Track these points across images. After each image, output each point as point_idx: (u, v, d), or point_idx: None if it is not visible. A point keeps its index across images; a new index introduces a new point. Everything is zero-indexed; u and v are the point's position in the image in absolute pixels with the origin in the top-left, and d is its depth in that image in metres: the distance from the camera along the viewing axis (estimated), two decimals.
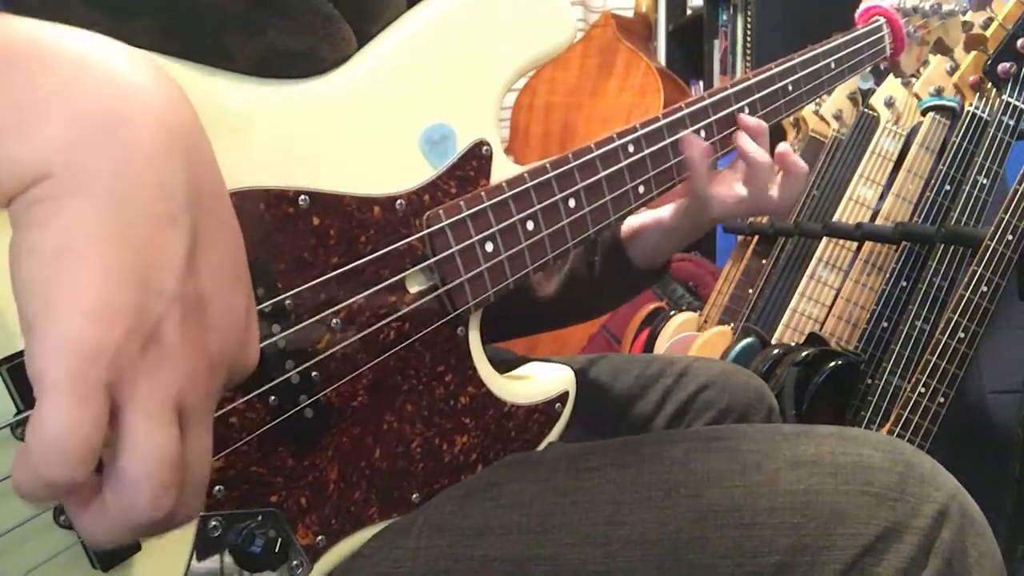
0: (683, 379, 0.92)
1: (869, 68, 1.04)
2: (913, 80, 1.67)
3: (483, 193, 0.61)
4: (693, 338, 1.98)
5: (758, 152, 0.82)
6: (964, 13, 1.50)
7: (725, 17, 2.78)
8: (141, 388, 0.33)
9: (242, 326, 0.39)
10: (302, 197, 0.53)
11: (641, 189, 0.73)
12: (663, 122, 0.75)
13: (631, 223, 0.87)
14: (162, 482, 0.34)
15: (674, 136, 0.75)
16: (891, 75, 1.73)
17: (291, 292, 0.52)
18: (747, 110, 0.84)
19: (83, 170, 0.34)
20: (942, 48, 1.18)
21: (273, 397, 0.51)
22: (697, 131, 0.78)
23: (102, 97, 0.35)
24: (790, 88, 0.88)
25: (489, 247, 0.61)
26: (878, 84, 1.77)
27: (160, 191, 0.35)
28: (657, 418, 0.91)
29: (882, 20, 1.04)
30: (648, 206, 0.79)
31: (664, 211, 0.86)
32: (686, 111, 0.77)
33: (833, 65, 0.94)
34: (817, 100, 2.00)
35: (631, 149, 0.72)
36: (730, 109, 0.82)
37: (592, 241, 0.84)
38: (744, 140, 0.82)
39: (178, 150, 0.36)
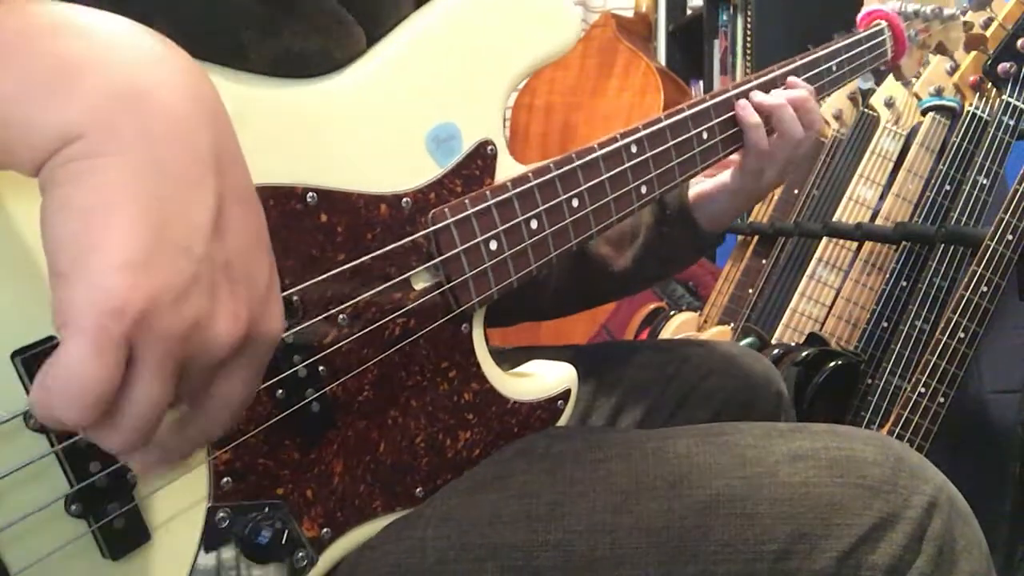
0: (685, 366, 0.93)
1: (869, 71, 1.05)
2: (913, 80, 1.67)
3: (488, 192, 0.62)
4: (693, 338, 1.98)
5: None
6: (964, 14, 1.51)
7: (725, 17, 2.78)
8: (159, 346, 0.34)
9: (264, 288, 0.39)
10: (310, 194, 0.53)
11: (644, 189, 0.74)
12: (665, 123, 0.75)
13: (699, 189, 0.90)
14: (141, 434, 0.36)
15: (677, 138, 0.76)
16: (891, 75, 1.73)
17: (298, 288, 0.52)
18: None
19: (115, 131, 0.35)
20: (943, 51, 1.19)
21: (280, 390, 0.52)
22: (700, 132, 0.79)
23: (132, 65, 0.37)
24: None
25: (493, 245, 0.62)
26: (878, 84, 1.78)
27: (189, 154, 0.36)
28: (662, 407, 0.91)
29: (884, 24, 1.04)
30: (706, 174, 0.83)
31: (726, 176, 0.89)
32: (688, 112, 0.78)
33: (835, 68, 0.95)
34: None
35: (634, 150, 0.72)
36: (733, 112, 0.83)
37: (661, 212, 0.89)
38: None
39: (205, 118, 0.38)
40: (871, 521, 0.55)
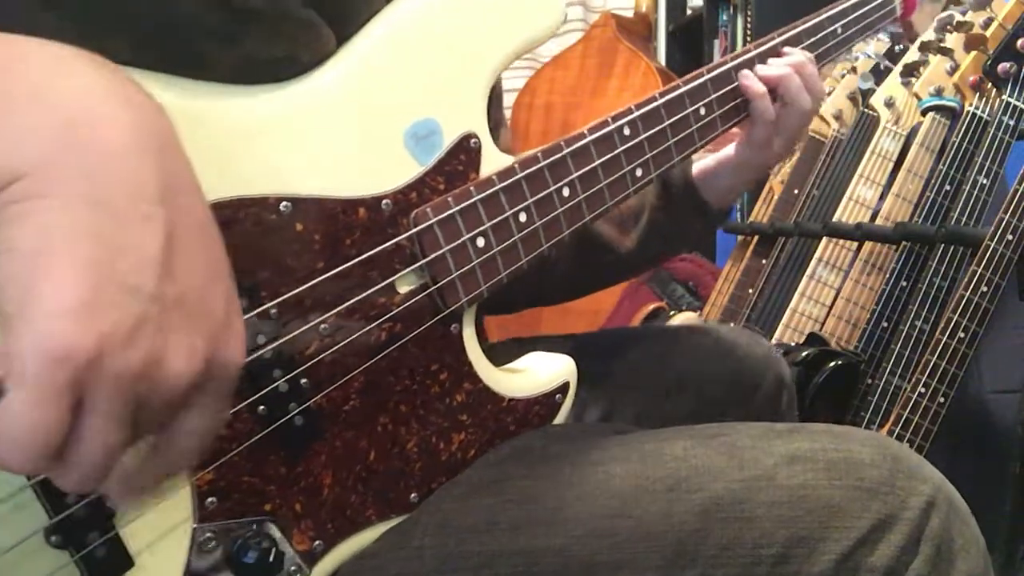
0: (685, 349, 0.93)
1: (880, 31, 1.01)
2: (913, 80, 1.66)
3: (472, 188, 0.60)
4: None
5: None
6: (964, 14, 1.50)
7: (725, 17, 2.77)
8: (108, 389, 0.34)
9: (223, 322, 0.39)
10: (283, 204, 0.52)
11: (639, 172, 0.72)
12: (660, 101, 0.73)
13: (702, 166, 0.89)
14: (94, 476, 0.36)
15: (673, 116, 0.74)
16: (891, 75, 1.72)
17: (275, 301, 0.51)
18: None
19: (56, 170, 0.34)
20: (957, 2, 1.13)
21: (262, 407, 0.51)
22: (697, 109, 0.77)
23: (72, 100, 0.36)
24: None
25: (480, 242, 0.60)
26: (878, 84, 1.77)
27: (133, 189, 0.36)
28: (660, 393, 0.91)
29: None
30: (707, 149, 0.82)
31: (730, 150, 0.89)
32: (684, 88, 0.76)
33: (840, 30, 0.92)
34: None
35: (627, 132, 0.70)
36: (732, 85, 0.81)
37: (666, 191, 0.88)
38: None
39: (150, 149, 0.37)
40: (869, 523, 0.55)
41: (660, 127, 0.73)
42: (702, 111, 0.77)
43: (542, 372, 0.69)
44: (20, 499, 0.41)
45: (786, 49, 0.87)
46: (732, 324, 1.93)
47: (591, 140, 0.67)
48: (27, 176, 0.34)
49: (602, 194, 0.69)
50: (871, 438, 0.60)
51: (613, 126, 0.69)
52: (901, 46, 1.72)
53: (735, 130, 0.87)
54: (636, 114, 0.71)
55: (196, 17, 0.50)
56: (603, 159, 0.68)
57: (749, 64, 0.83)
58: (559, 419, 0.69)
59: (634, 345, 0.94)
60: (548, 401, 0.68)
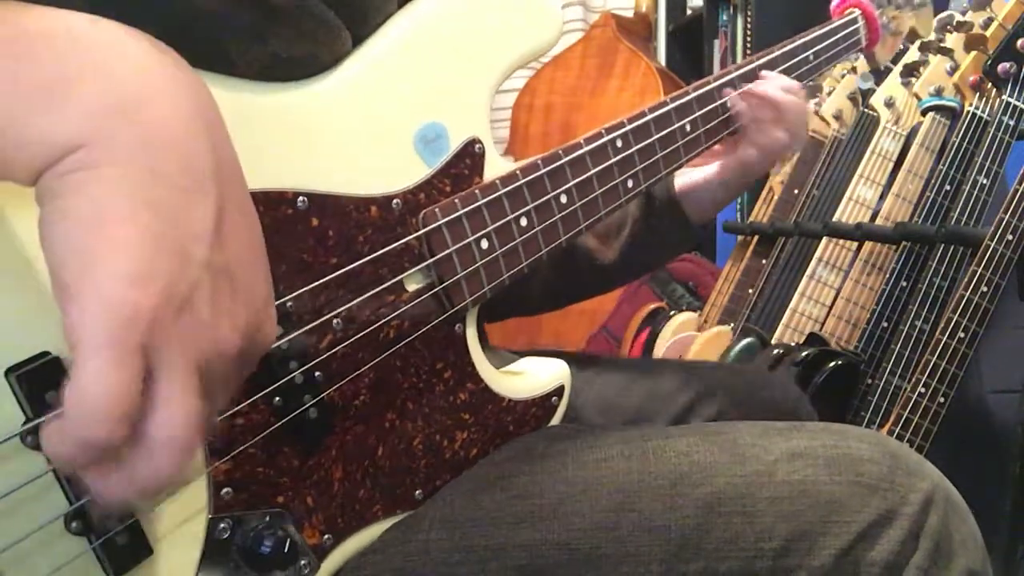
0: (704, 397, 0.92)
1: (844, 60, 1.08)
2: (913, 80, 1.66)
3: (477, 191, 0.62)
4: (693, 338, 1.98)
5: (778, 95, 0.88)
6: (964, 13, 1.50)
7: (725, 17, 2.77)
8: (174, 354, 0.34)
9: (263, 298, 0.40)
10: (301, 199, 0.53)
11: (630, 183, 0.74)
12: (649, 116, 0.76)
13: (685, 181, 0.91)
14: (188, 446, 0.36)
15: (661, 131, 0.77)
16: (891, 75, 1.73)
17: (293, 295, 0.52)
18: (731, 103, 0.87)
19: (115, 141, 0.35)
20: (914, 37, 1.20)
21: (278, 398, 0.52)
22: (683, 125, 0.80)
23: (130, 75, 0.37)
24: None
25: (484, 244, 0.62)
26: (878, 84, 1.77)
27: (188, 164, 0.37)
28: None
29: (857, 12, 1.07)
30: (691, 164, 0.84)
31: (713, 167, 0.91)
32: (671, 105, 0.78)
33: (812, 57, 0.97)
34: (817, 99, 2.00)
35: (620, 144, 0.73)
36: (715, 103, 0.84)
37: (649, 205, 0.90)
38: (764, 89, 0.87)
39: (202, 127, 0.38)
40: (869, 518, 0.56)
41: (649, 141, 0.76)
42: (688, 127, 0.80)
43: (538, 375, 0.70)
44: (40, 485, 0.42)
45: (765, 73, 0.90)
46: (732, 324, 1.94)
47: (587, 150, 0.70)
48: (86, 147, 0.34)
49: (596, 203, 0.71)
50: (869, 435, 0.61)
51: (607, 138, 0.72)
52: (901, 46, 1.73)
53: (717, 147, 0.90)
54: (628, 127, 0.74)
55: (224, 14, 0.51)
56: (598, 169, 0.71)
57: (732, 84, 0.87)
58: (555, 421, 0.70)
59: (643, 389, 0.94)
60: (545, 403, 0.69)
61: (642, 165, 0.75)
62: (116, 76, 0.36)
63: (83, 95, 0.35)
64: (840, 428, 0.62)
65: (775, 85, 0.88)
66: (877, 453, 0.59)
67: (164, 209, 0.35)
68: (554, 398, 0.70)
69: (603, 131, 0.72)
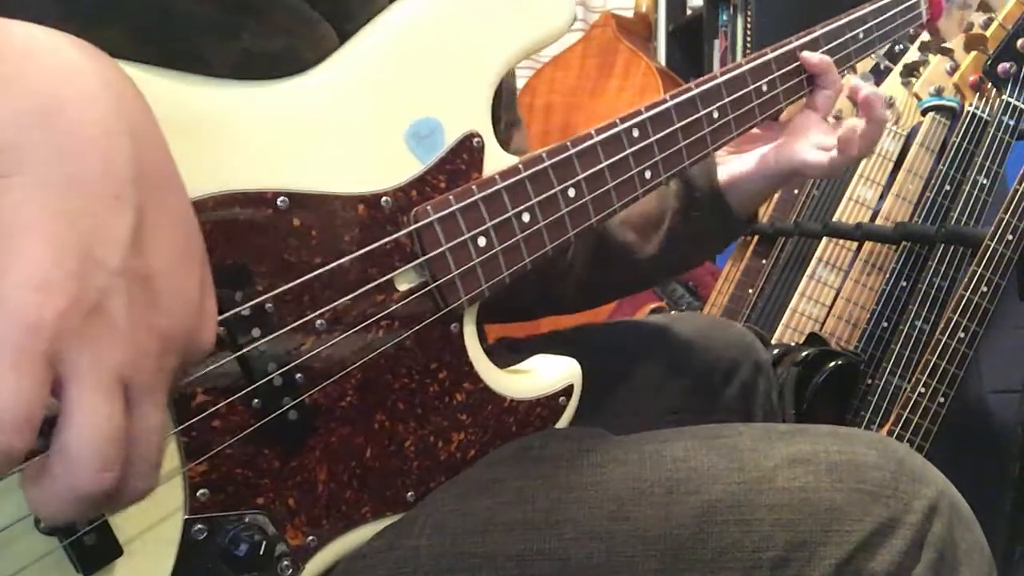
0: (663, 341, 0.92)
1: (906, 34, 0.99)
2: (913, 80, 1.66)
3: (474, 186, 0.60)
4: None
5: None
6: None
7: (725, 17, 2.77)
8: (84, 361, 0.35)
9: (194, 304, 0.39)
10: (281, 198, 0.52)
11: (648, 174, 0.71)
12: (671, 103, 0.72)
13: (731, 171, 0.87)
14: (104, 456, 0.35)
15: (684, 120, 0.73)
16: (891, 75, 1.72)
17: (271, 294, 0.51)
18: (765, 87, 0.82)
19: (27, 150, 0.35)
20: (986, 9, 1.13)
21: (256, 400, 0.51)
22: (710, 112, 0.76)
23: (45, 81, 0.36)
24: None
25: (482, 241, 0.60)
26: (878, 84, 1.77)
27: (102, 169, 0.36)
28: (641, 381, 0.90)
29: None
30: (729, 149, 0.81)
31: (761, 155, 0.87)
32: (696, 91, 0.75)
33: (862, 35, 0.91)
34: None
35: (636, 134, 0.69)
36: (747, 88, 0.80)
37: (688, 196, 0.86)
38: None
39: (122, 130, 0.38)
40: (871, 527, 0.54)
41: (671, 129, 0.72)
42: (715, 114, 0.76)
43: (546, 374, 0.68)
44: (7, 483, 0.41)
45: (806, 55, 0.85)
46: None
47: (598, 141, 0.67)
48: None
49: (609, 196, 0.68)
50: (876, 440, 0.59)
51: (621, 127, 0.68)
52: (901, 46, 1.72)
53: (756, 131, 0.86)
54: (645, 115, 0.70)
55: (192, 10, 0.51)
56: (610, 160, 0.67)
57: (765, 68, 0.82)
58: (563, 422, 0.68)
59: (620, 339, 0.94)
60: (551, 403, 0.67)
61: (662, 155, 0.71)
62: (31, 82, 0.36)
63: None
64: (846, 433, 0.60)
65: (872, 91, 0.84)
66: (882, 459, 0.57)
67: (76, 217, 0.35)
68: (562, 398, 0.68)
69: (617, 120, 0.68)
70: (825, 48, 0.87)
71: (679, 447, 0.59)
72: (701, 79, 0.76)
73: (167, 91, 0.48)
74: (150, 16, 0.50)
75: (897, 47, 1.80)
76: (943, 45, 1.58)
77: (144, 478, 0.39)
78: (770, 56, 0.83)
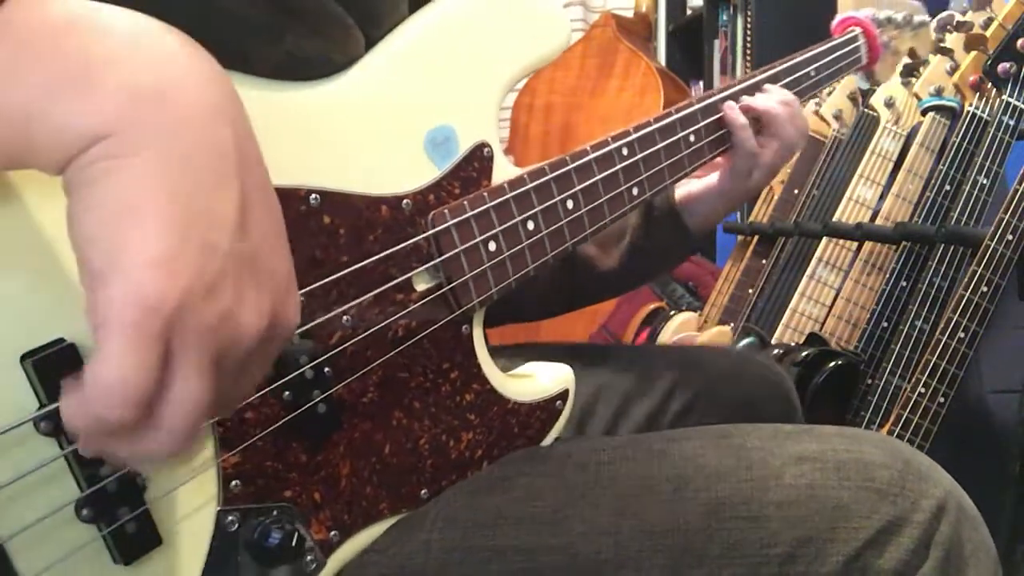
0: (694, 370, 0.93)
1: (844, 76, 1.08)
2: (913, 80, 1.67)
3: (486, 194, 0.62)
4: (693, 338, 1.98)
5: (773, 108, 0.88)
6: (964, 13, 1.51)
7: (725, 17, 2.78)
8: (193, 341, 0.35)
9: (285, 283, 0.40)
10: (313, 196, 0.54)
11: (635, 191, 0.75)
12: (655, 126, 0.76)
13: (687, 191, 0.91)
14: (192, 432, 0.36)
15: (665, 140, 0.77)
16: (891, 75, 1.73)
17: (304, 290, 0.53)
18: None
19: (141, 130, 0.35)
20: (914, 56, 1.23)
21: (287, 392, 0.52)
22: (687, 135, 0.80)
23: (155, 63, 0.37)
24: None
25: (492, 246, 0.63)
26: (878, 84, 1.78)
27: (214, 151, 0.37)
28: (666, 411, 0.91)
29: (858, 30, 1.07)
30: (695, 174, 0.84)
31: (714, 178, 0.90)
32: (676, 116, 0.79)
33: (813, 73, 0.98)
34: (817, 99, 2.00)
35: (625, 152, 0.73)
36: (719, 115, 0.85)
37: (648, 214, 0.90)
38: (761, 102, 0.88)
39: (228, 117, 0.38)
40: (878, 525, 0.55)
41: (654, 149, 0.76)
42: (692, 138, 0.81)
43: (543, 379, 0.71)
44: (51, 470, 0.42)
45: (767, 87, 0.90)
46: (732, 324, 1.94)
47: (593, 157, 0.70)
48: (111, 136, 0.35)
49: (602, 209, 0.71)
50: (882, 441, 0.59)
51: (613, 145, 0.72)
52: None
53: (720, 159, 0.90)
54: (634, 136, 0.74)
55: (241, 11, 0.52)
56: (603, 175, 0.71)
57: (734, 97, 0.87)
58: (560, 424, 0.70)
59: (641, 363, 0.95)
60: (550, 407, 0.69)
61: (647, 173, 0.76)
62: (143, 64, 0.36)
63: (108, 83, 0.35)
64: (853, 432, 0.60)
65: (772, 98, 0.88)
66: (889, 458, 0.57)
67: (190, 198, 0.35)
68: (558, 402, 0.70)
69: (609, 139, 0.72)
70: (785, 81, 0.93)
71: (688, 445, 0.60)
72: (680, 104, 0.82)
73: None
74: (199, 14, 0.50)
75: None
76: (941, 45, 1.58)
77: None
78: (739, 87, 0.89)
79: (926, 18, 1.19)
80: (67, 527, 0.43)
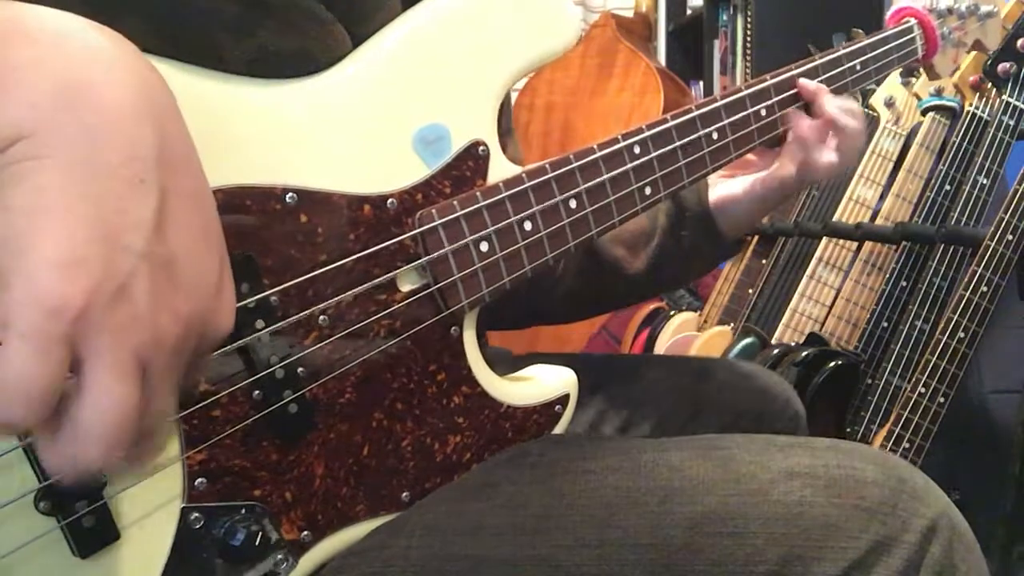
0: (703, 380, 0.92)
1: (899, 69, 1.02)
2: (913, 80, 1.66)
3: (478, 193, 0.61)
4: (693, 338, 1.98)
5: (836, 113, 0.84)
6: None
7: (725, 17, 2.77)
8: (104, 342, 0.35)
9: (213, 287, 0.40)
10: (290, 195, 0.53)
11: (648, 191, 0.72)
12: (672, 124, 0.74)
13: (721, 193, 0.87)
14: (115, 436, 0.36)
15: (684, 138, 0.74)
16: (892, 74, 1.72)
17: (277, 288, 0.52)
18: (764, 112, 0.83)
19: (55, 132, 0.35)
20: (980, 49, 1.16)
21: (257, 391, 0.51)
22: (709, 132, 0.77)
23: (74, 65, 0.37)
24: None
25: (484, 247, 0.61)
26: (878, 84, 1.77)
27: (128, 152, 0.37)
28: (674, 421, 0.90)
29: (913, 21, 1.01)
30: (723, 173, 0.81)
31: (749, 180, 0.87)
32: (696, 113, 0.76)
33: (859, 67, 0.92)
34: None
35: (637, 151, 0.71)
36: (745, 112, 0.81)
37: (679, 214, 0.87)
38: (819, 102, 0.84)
39: (147, 114, 0.38)
40: (867, 545, 0.53)
41: (671, 147, 0.73)
42: (715, 135, 0.78)
43: (543, 382, 0.69)
44: (8, 460, 0.42)
45: (815, 87, 0.85)
46: (732, 324, 1.94)
47: (600, 155, 0.68)
48: (26, 138, 0.35)
49: (609, 209, 0.69)
50: (877, 456, 0.58)
51: (623, 143, 0.70)
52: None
53: (752, 158, 0.86)
54: (647, 134, 0.72)
55: (211, 5, 0.51)
56: (611, 174, 0.69)
57: (764, 94, 0.83)
58: (559, 430, 0.69)
59: (650, 372, 0.94)
60: (547, 411, 0.68)
61: (661, 172, 0.73)
62: (59, 64, 0.36)
63: (25, 85, 0.35)
64: (848, 447, 0.59)
65: (838, 106, 0.84)
66: (882, 475, 0.55)
67: (102, 198, 0.35)
68: (558, 406, 0.68)
69: (619, 137, 0.70)
70: (823, 77, 0.88)
71: (676, 456, 0.58)
72: (702, 101, 0.78)
73: (182, 84, 0.48)
74: (168, 9, 0.50)
75: None
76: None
77: (147, 455, 0.40)
78: (770, 82, 0.84)
79: (993, 8, 1.11)
80: (25, 518, 0.43)
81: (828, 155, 0.84)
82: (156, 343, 0.37)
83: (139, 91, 0.38)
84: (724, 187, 0.88)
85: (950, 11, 1.05)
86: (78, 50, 0.37)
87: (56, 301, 0.33)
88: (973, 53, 1.52)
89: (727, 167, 0.81)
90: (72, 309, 0.34)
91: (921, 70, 1.43)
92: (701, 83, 2.95)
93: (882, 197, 1.70)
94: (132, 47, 0.40)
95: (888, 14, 1.05)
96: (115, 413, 0.36)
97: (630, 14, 3.02)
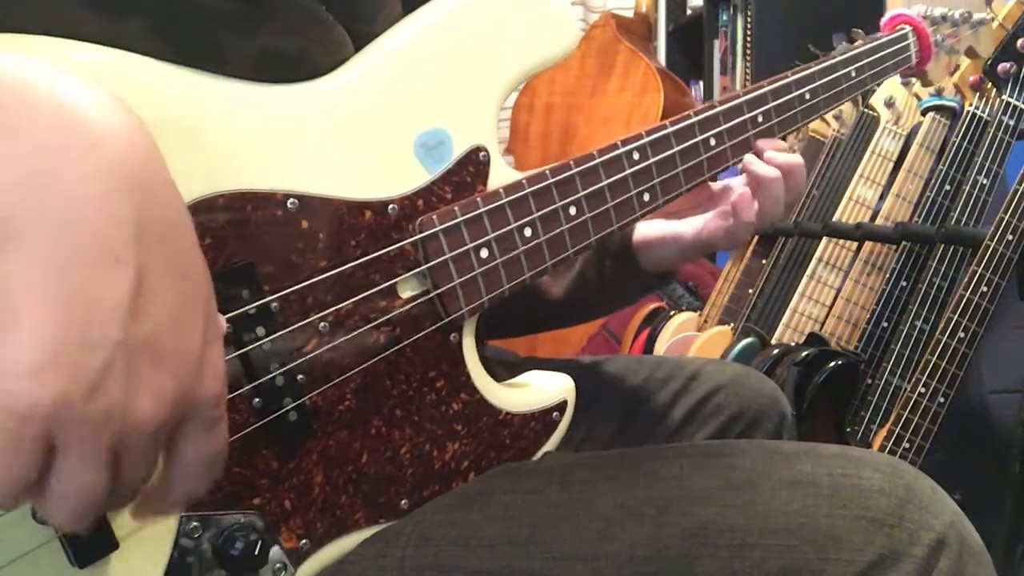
0: (694, 382, 0.92)
1: (890, 77, 1.01)
2: (913, 80, 1.66)
3: (479, 199, 0.61)
4: (693, 338, 1.98)
5: (766, 171, 0.81)
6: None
7: (725, 17, 2.77)
8: (75, 438, 0.35)
9: (195, 361, 0.38)
10: (291, 200, 0.53)
11: (646, 196, 0.72)
12: (670, 129, 0.73)
13: (646, 232, 0.85)
14: (79, 514, 0.36)
15: (682, 144, 0.74)
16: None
17: (277, 295, 0.52)
18: (761, 118, 0.82)
19: (22, 220, 0.34)
20: (973, 56, 1.16)
21: (257, 399, 0.51)
22: (707, 139, 0.76)
23: (45, 138, 0.35)
24: (807, 96, 0.86)
25: (484, 253, 0.61)
26: (878, 84, 1.77)
27: (102, 232, 0.35)
28: (665, 421, 0.90)
29: (908, 28, 1.01)
30: (661, 213, 0.78)
31: (683, 227, 0.83)
32: (695, 119, 0.76)
33: (854, 74, 0.92)
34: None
35: (636, 156, 0.71)
36: (743, 117, 0.80)
37: (602, 245, 0.83)
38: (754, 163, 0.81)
39: (122, 188, 0.36)
40: (871, 558, 0.51)
41: (669, 153, 0.73)
42: (712, 141, 0.77)
43: (541, 389, 0.69)
44: None
45: (761, 143, 0.82)
46: (732, 324, 1.94)
47: (600, 161, 0.68)
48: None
49: (608, 215, 0.69)
50: (885, 464, 0.55)
51: (622, 149, 0.70)
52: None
53: (700, 194, 0.83)
54: (646, 139, 0.72)
55: (212, 6, 0.51)
56: (610, 180, 0.69)
57: (762, 100, 0.82)
58: (556, 436, 0.68)
59: (643, 374, 0.93)
60: (545, 418, 0.68)
61: (660, 178, 0.73)
62: (25, 141, 0.35)
63: None
64: (857, 454, 0.56)
65: (778, 160, 0.81)
66: (889, 484, 0.53)
67: (73, 291, 0.34)
68: (555, 413, 0.68)
69: (619, 143, 0.70)
70: (820, 82, 0.87)
71: (675, 465, 0.57)
72: (701, 107, 0.77)
73: (183, 88, 0.49)
74: (170, 9, 0.50)
75: None
76: None
77: (123, 505, 0.40)
78: (767, 88, 0.83)
79: (985, 15, 1.12)
80: (23, 528, 0.43)
81: (778, 207, 0.81)
82: (133, 429, 0.36)
83: (114, 156, 0.36)
84: (651, 227, 0.85)
85: (944, 18, 1.07)
86: (43, 115, 0.35)
87: (26, 407, 0.33)
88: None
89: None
90: (43, 411, 0.33)
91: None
92: (701, 83, 2.96)
93: (882, 197, 1.70)
94: (104, 92, 0.38)
95: (887, 16, 1.05)
96: (80, 498, 0.36)
97: (630, 14, 3.02)
